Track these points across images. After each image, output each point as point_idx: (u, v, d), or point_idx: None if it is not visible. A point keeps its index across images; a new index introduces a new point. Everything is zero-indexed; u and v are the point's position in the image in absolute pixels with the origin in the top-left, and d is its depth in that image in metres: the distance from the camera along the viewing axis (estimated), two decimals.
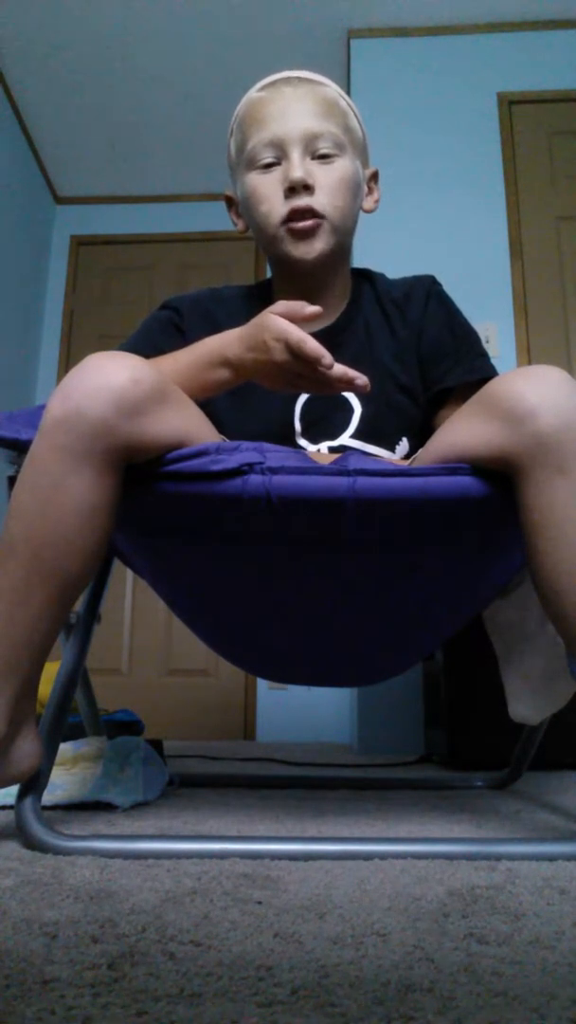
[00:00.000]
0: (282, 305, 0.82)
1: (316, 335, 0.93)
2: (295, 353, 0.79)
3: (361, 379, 0.79)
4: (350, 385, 0.80)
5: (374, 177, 1.06)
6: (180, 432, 0.77)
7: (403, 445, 1.01)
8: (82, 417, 0.71)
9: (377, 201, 1.06)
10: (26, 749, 0.75)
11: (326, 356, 0.78)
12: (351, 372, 0.79)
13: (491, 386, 0.76)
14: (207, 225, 3.68)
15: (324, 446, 0.98)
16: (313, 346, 0.78)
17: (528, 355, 2.57)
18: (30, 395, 3.40)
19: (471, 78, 2.83)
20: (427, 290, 1.05)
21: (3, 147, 3.18)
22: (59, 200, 3.79)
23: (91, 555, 0.74)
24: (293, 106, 0.96)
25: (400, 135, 2.79)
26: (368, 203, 1.05)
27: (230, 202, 1.07)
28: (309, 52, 2.99)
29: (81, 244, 3.76)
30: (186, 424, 0.79)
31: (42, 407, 0.83)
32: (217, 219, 3.67)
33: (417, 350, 1.02)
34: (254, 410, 1.00)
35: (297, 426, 1.00)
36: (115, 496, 0.75)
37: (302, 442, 0.99)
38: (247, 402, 0.99)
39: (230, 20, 2.88)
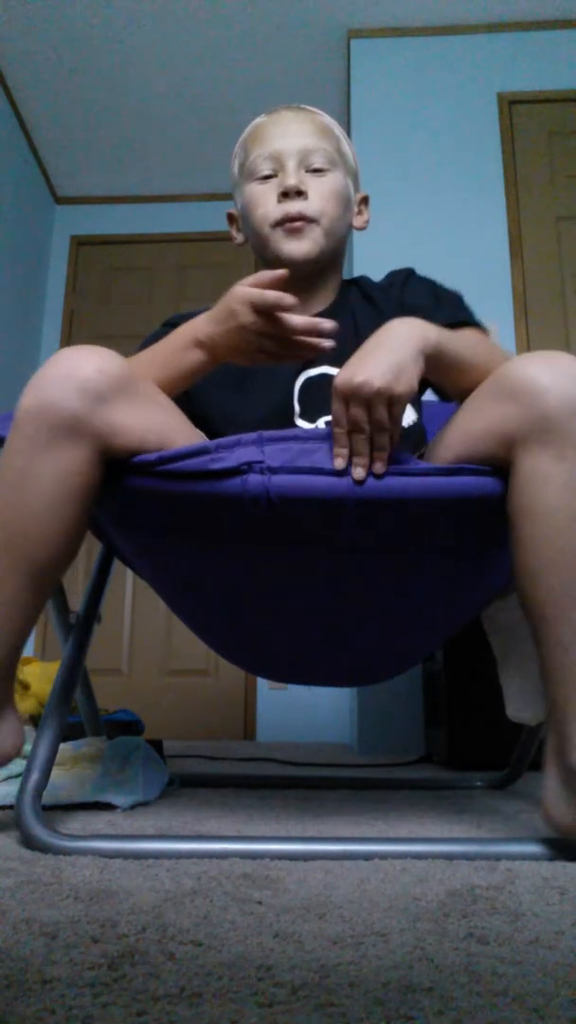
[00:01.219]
0: (248, 279, 0.84)
1: None
2: (259, 310, 0.80)
3: (327, 322, 0.80)
4: (316, 331, 0.80)
5: (364, 201, 1.13)
6: (151, 424, 0.78)
7: (407, 413, 1.02)
8: (50, 407, 0.74)
9: (367, 222, 1.13)
10: (7, 730, 0.79)
11: (286, 297, 0.79)
12: (315, 319, 0.80)
13: (505, 366, 0.77)
14: (207, 225, 3.68)
15: (322, 421, 1.00)
16: (274, 294, 0.79)
17: None
18: None
19: (471, 78, 2.83)
20: (406, 274, 1.11)
21: (3, 147, 3.18)
22: (59, 200, 3.79)
23: (63, 543, 0.76)
24: (292, 127, 1.05)
25: (400, 135, 2.79)
26: (358, 222, 1.12)
27: (231, 219, 1.13)
28: (309, 52, 2.99)
29: (81, 244, 3.76)
30: (156, 417, 0.80)
31: None
32: (217, 219, 3.66)
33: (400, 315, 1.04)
34: (254, 398, 1.02)
35: (296, 407, 1.02)
36: (87, 486, 0.76)
37: (300, 422, 1.00)
38: (247, 391, 1.02)
39: (229, 20, 2.87)
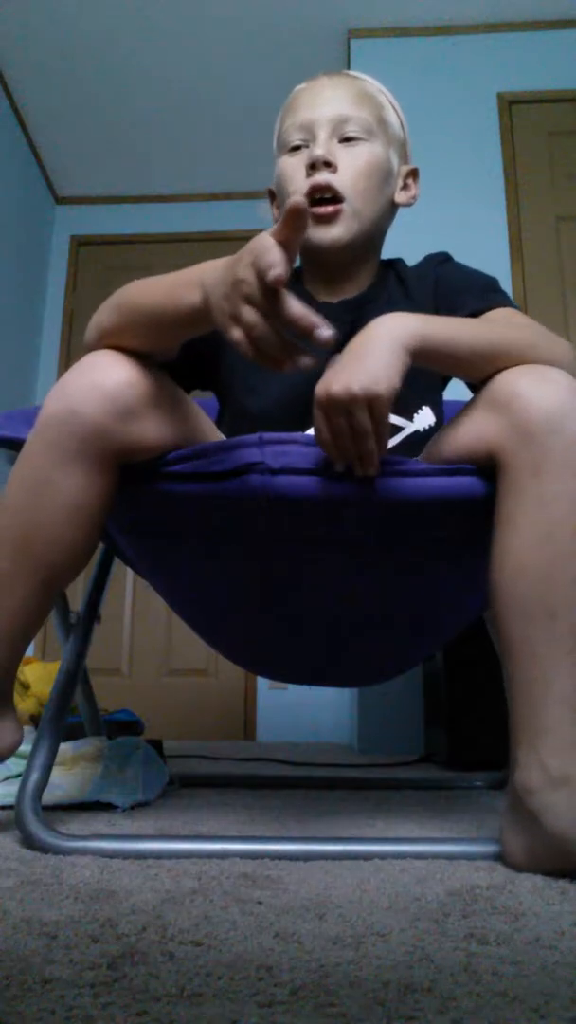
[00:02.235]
0: (274, 227, 0.70)
1: (343, 304, 0.94)
2: (255, 269, 0.65)
3: (327, 330, 0.63)
4: (310, 329, 0.63)
5: (412, 174, 1.05)
6: (176, 436, 0.78)
7: (424, 415, 0.98)
8: (75, 416, 0.72)
9: (414, 197, 1.04)
10: (6, 729, 0.81)
11: (275, 268, 0.62)
12: (315, 317, 0.63)
13: (498, 377, 0.75)
14: (207, 225, 3.67)
15: None
16: (272, 258, 0.63)
17: None
18: (30, 395, 3.40)
19: (471, 78, 2.83)
20: (440, 259, 1.05)
21: (3, 147, 3.18)
22: (59, 200, 3.79)
23: (78, 551, 0.76)
24: (326, 92, 0.97)
25: None
26: (402, 197, 1.03)
27: (271, 196, 1.05)
28: (309, 52, 2.99)
29: (81, 244, 3.76)
30: (183, 428, 0.79)
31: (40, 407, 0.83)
32: (218, 219, 3.67)
33: (433, 301, 0.99)
34: (283, 375, 0.95)
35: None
36: (106, 495, 0.76)
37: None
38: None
39: (230, 20, 2.87)
